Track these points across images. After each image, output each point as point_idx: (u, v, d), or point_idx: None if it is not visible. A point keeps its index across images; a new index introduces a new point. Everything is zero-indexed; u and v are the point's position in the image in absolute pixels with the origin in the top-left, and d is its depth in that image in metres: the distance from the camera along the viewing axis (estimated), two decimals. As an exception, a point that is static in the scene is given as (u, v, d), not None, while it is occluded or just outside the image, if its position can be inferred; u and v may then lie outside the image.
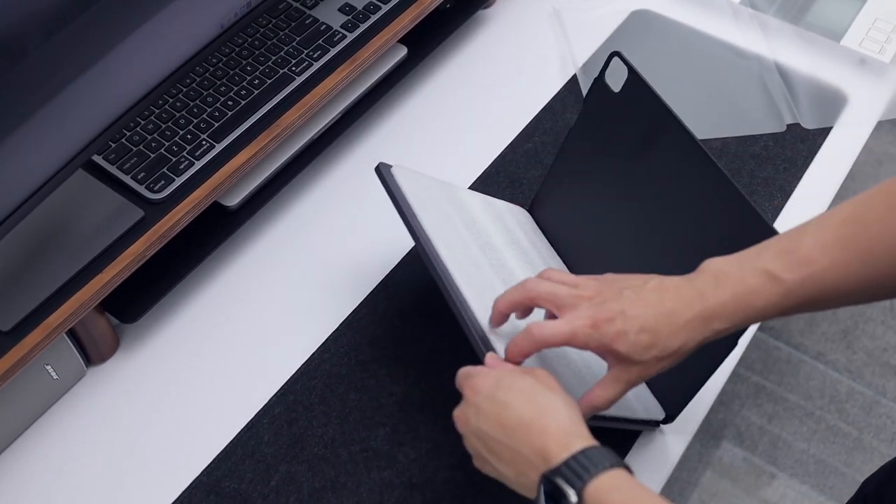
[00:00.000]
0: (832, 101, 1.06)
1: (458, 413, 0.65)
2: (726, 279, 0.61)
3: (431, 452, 0.79)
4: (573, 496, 0.55)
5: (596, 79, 0.81)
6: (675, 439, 0.80)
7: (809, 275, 0.60)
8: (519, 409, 0.60)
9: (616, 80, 0.80)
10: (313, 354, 0.85)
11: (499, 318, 0.69)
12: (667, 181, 0.77)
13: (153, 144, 0.85)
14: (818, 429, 1.60)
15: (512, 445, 0.60)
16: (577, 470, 0.56)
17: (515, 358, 0.66)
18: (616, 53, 0.78)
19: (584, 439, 0.58)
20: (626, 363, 0.62)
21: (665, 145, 0.76)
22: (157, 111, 0.87)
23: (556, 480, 0.56)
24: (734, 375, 1.63)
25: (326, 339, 0.86)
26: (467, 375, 0.65)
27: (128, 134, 0.86)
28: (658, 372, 0.63)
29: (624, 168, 0.80)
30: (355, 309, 0.88)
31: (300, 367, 0.84)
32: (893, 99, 1.08)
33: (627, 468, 0.57)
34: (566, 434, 0.58)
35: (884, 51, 1.09)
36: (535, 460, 0.58)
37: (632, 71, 0.78)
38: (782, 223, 0.96)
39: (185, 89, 0.89)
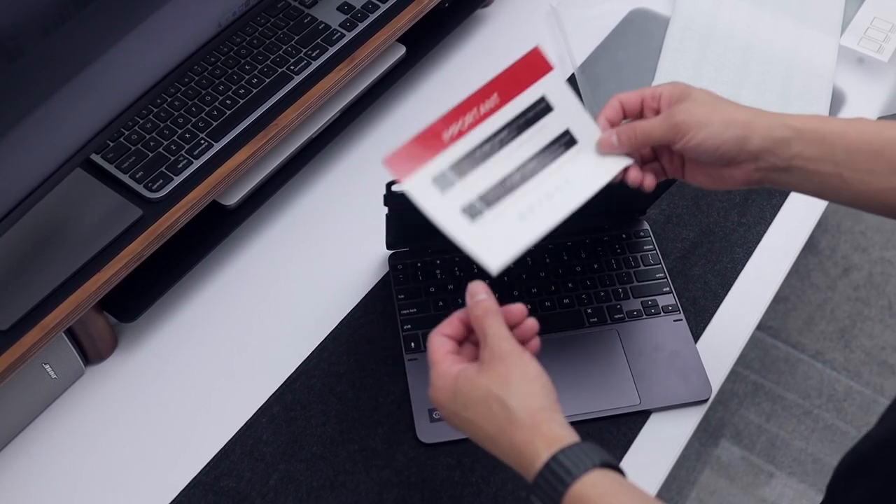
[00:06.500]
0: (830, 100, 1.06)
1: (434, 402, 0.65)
2: None
3: (430, 451, 0.79)
4: None
5: None
6: (672, 438, 0.80)
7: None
8: (483, 427, 0.60)
9: None
10: (312, 353, 0.85)
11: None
12: None
13: (151, 143, 0.85)
14: (816, 427, 1.60)
15: (493, 453, 0.61)
16: (551, 486, 0.57)
17: None
18: None
19: (552, 444, 0.58)
20: None
21: None
22: (155, 110, 0.87)
23: (533, 500, 0.58)
24: (732, 374, 1.63)
25: (325, 338, 0.86)
26: (431, 368, 0.65)
27: (126, 133, 0.86)
28: None
29: None
30: (354, 308, 0.88)
31: (299, 366, 0.84)
32: (891, 97, 1.08)
33: (599, 461, 0.57)
34: (533, 445, 0.58)
35: (882, 50, 1.09)
36: (517, 467, 0.60)
37: None
38: (780, 222, 0.96)
39: (183, 88, 0.89)
